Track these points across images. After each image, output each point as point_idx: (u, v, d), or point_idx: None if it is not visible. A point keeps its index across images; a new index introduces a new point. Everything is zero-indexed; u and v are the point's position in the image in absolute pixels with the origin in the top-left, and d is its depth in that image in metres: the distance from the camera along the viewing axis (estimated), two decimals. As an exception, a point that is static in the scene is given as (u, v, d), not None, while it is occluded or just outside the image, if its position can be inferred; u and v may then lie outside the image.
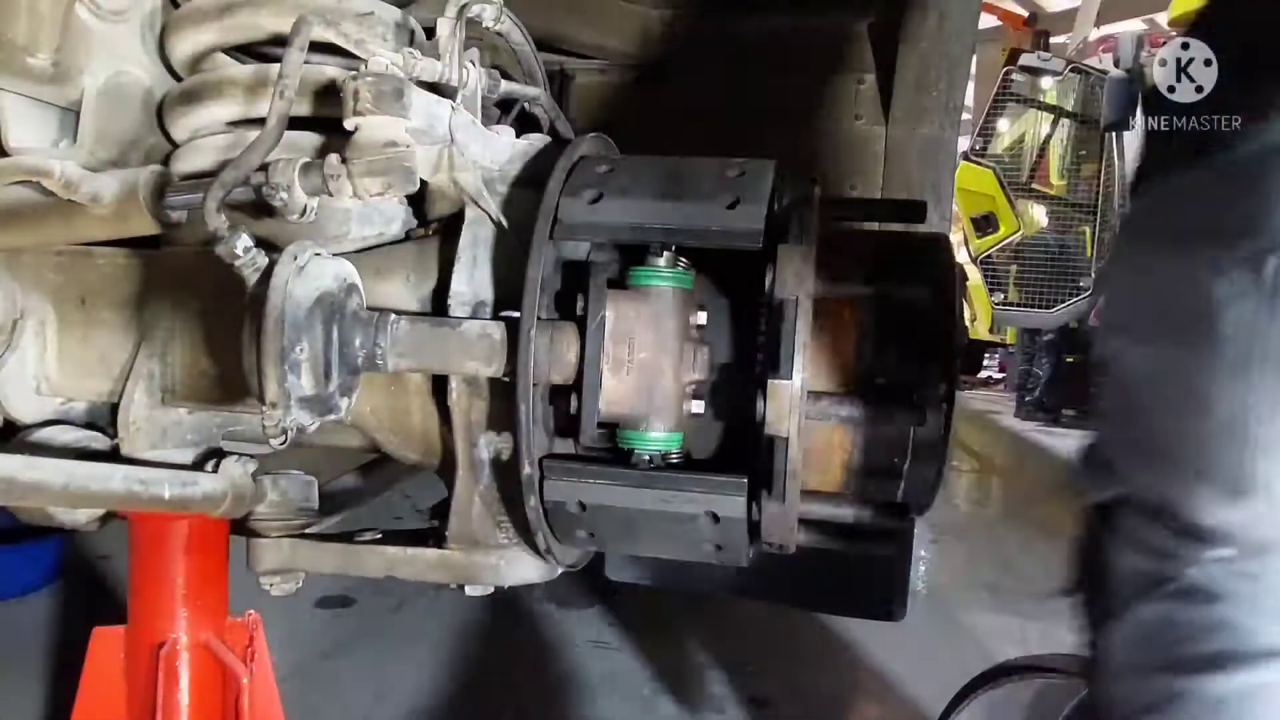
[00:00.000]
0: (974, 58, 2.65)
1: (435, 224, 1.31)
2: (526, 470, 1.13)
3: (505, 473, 1.25)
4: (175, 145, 1.39)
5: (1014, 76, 7.59)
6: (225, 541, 1.68)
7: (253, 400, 1.08)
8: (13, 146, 1.30)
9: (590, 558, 1.42)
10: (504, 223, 1.23)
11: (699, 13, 2.56)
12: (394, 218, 1.29)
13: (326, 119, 1.22)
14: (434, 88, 1.25)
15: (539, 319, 1.09)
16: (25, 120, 1.31)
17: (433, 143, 1.21)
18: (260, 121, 1.15)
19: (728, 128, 2.57)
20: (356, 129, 1.12)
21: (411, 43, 1.33)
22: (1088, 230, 7.68)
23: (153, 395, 1.34)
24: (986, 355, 13.41)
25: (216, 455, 1.40)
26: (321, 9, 1.21)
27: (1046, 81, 7.90)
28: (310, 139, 1.25)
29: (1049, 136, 8.35)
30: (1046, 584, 3.86)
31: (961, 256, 8.32)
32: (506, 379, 1.16)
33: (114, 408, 1.36)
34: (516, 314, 1.10)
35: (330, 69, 1.27)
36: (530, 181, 1.26)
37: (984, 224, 7.68)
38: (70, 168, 1.22)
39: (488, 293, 1.21)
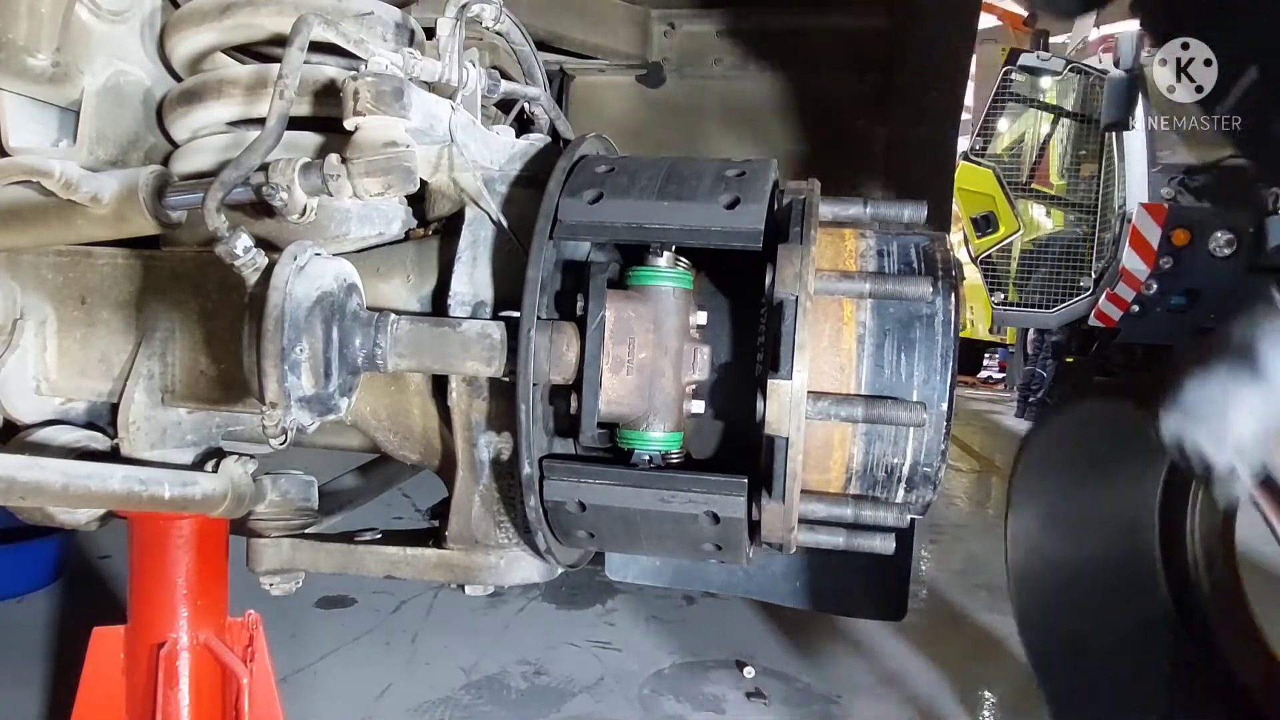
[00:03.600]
0: (974, 58, 2.65)
1: (435, 224, 1.31)
2: (526, 470, 1.13)
3: (505, 473, 1.25)
4: (175, 145, 1.39)
5: (1014, 76, 7.59)
6: (225, 541, 1.68)
7: (253, 400, 1.08)
8: (13, 146, 1.30)
9: (590, 557, 1.42)
10: (504, 223, 1.23)
11: (698, 13, 2.57)
12: (394, 218, 1.29)
13: (326, 119, 1.23)
14: (434, 88, 1.25)
15: (539, 319, 1.09)
16: (25, 120, 1.31)
17: (433, 143, 1.21)
18: (260, 121, 1.15)
19: (727, 128, 2.58)
20: (356, 129, 1.12)
21: (411, 43, 1.34)
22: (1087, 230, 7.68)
23: (152, 395, 1.34)
24: (986, 355, 13.42)
25: (216, 455, 1.40)
26: (321, 9, 1.21)
27: (1046, 81, 7.90)
28: (310, 139, 1.25)
29: (1049, 136, 8.35)
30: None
31: (961, 256, 8.32)
32: (506, 379, 1.16)
33: (114, 408, 1.36)
34: (516, 314, 1.10)
35: (330, 69, 1.27)
36: (530, 181, 1.26)
37: (984, 224, 7.68)
38: (70, 168, 1.22)
39: (488, 293, 1.21)
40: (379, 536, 1.37)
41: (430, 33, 1.34)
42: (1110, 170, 7.39)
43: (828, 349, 1.16)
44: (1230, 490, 0.98)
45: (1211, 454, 0.96)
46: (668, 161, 1.20)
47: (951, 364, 1.16)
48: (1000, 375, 12.88)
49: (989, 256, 7.89)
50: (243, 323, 1.05)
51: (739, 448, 1.19)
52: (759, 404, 1.08)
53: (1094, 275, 7.50)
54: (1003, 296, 7.97)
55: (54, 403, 1.41)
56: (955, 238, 8.34)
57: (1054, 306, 7.68)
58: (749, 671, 2.89)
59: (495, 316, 1.20)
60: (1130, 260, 6.98)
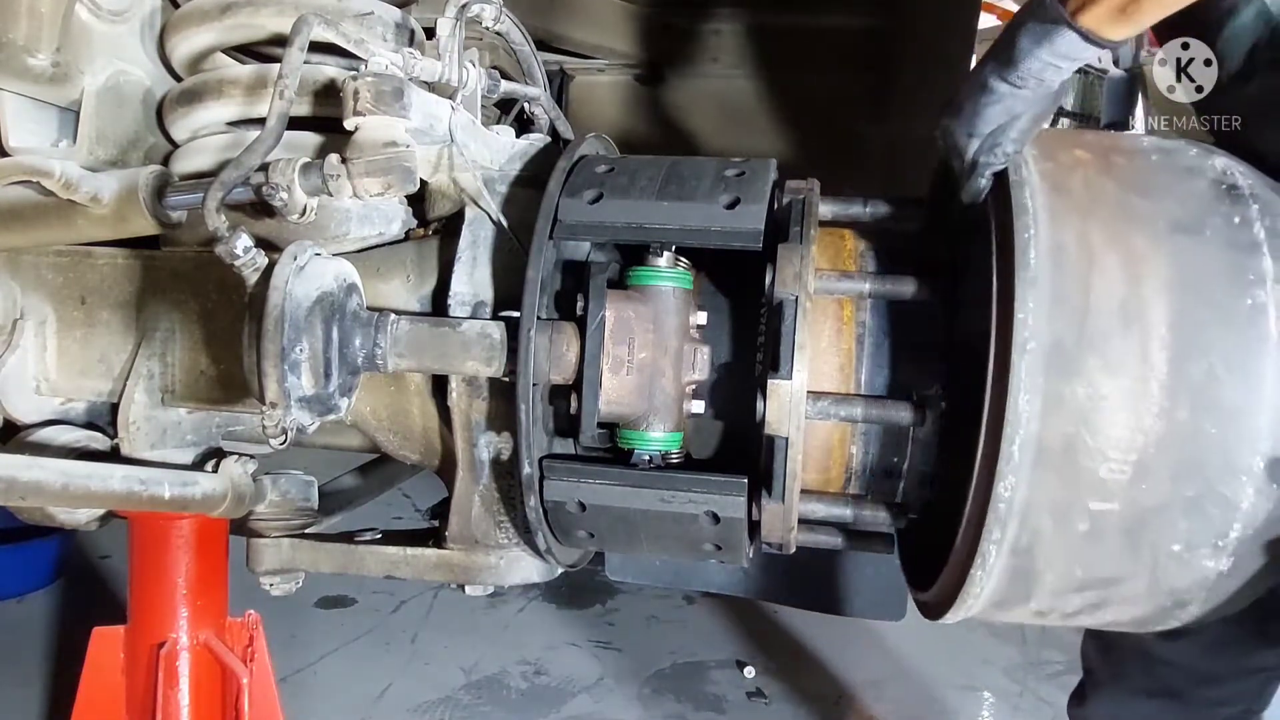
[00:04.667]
0: (974, 58, 2.65)
1: (435, 224, 1.31)
2: (526, 470, 1.13)
3: (505, 473, 1.25)
4: (175, 145, 1.39)
5: (1014, 76, 7.56)
6: (225, 541, 1.68)
7: (253, 400, 1.08)
8: (13, 146, 1.30)
9: (590, 557, 1.42)
10: (504, 223, 1.23)
11: (697, 13, 2.56)
12: (394, 218, 1.29)
13: (326, 119, 1.23)
14: (434, 88, 1.25)
15: (539, 319, 1.09)
16: (25, 120, 1.31)
17: (433, 143, 1.21)
18: (260, 121, 1.15)
19: (727, 128, 2.58)
20: (356, 129, 1.12)
21: (411, 43, 1.34)
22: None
23: (152, 395, 1.34)
24: (986, 355, 13.39)
25: (216, 455, 1.40)
26: (321, 9, 1.21)
27: (1046, 81, 7.88)
28: (310, 139, 1.25)
29: (1048, 136, 8.34)
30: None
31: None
32: (506, 379, 1.16)
33: (114, 408, 1.36)
34: (516, 314, 1.10)
35: (330, 69, 1.27)
36: (530, 181, 1.26)
37: (984, 224, 7.66)
38: (70, 168, 1.22)
39: (488, 293, 1.21)
40: (379, 536, 1.37)
41: (430, 33, 1.34)
42: (1110, 170, 7.37)
43: (828, 349, 1.16)
44: (976, 186, 1.05)
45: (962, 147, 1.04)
46: (668, 161, 1.20)
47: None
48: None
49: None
50: (243, 323, 1.05)
51: (739, 448, 1.19)
52: (759, 404, 1.08)
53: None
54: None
55: (54, 403, 1.41)
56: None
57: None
58: (749, 671, 2.89)
59: (495, 316, 1.20)
60: (1130, 260, 6.96)
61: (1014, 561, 0.99)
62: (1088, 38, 0.93)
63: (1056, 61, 0.96)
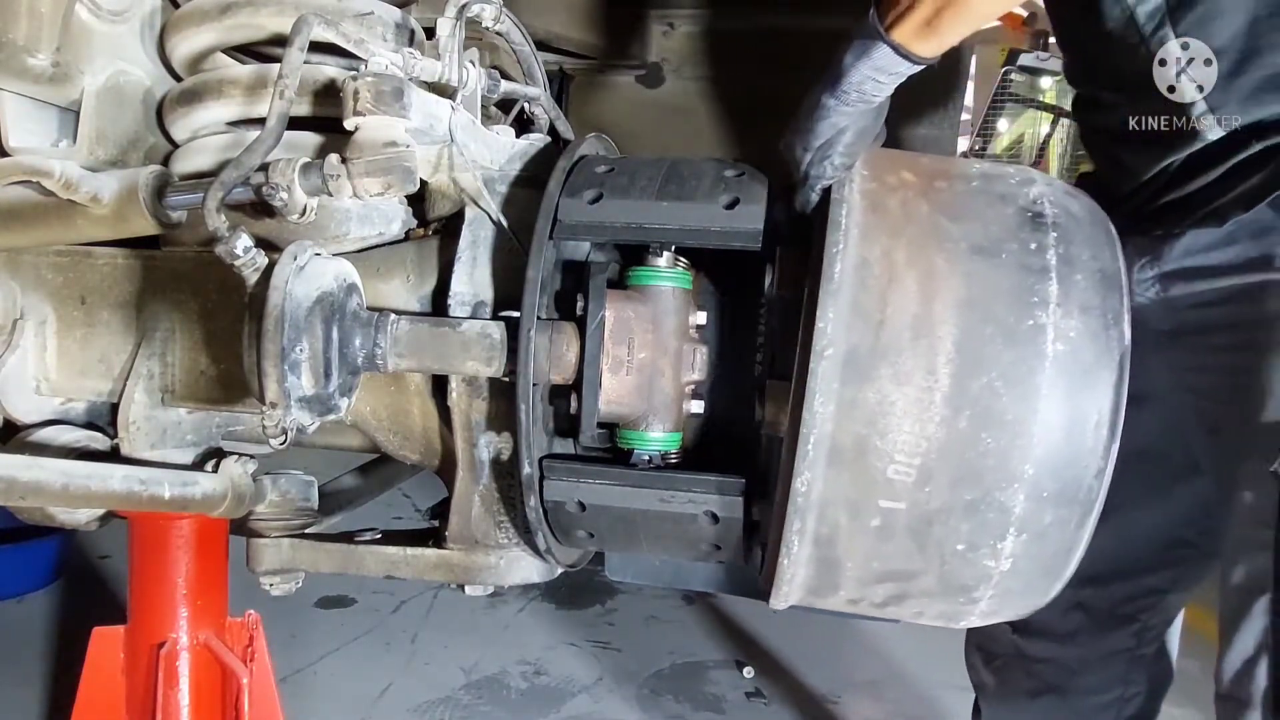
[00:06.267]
0: (973, 58, 2.65)
1: (435, 224, 1.31)
2: (526, 470, 1.13)
3: (505, 473, 1.25)
4: (175, 145, 1.39)
5: (1013, 76, 7.58)
6: (225, 541, 1.68)
7: (253, 400, 1.08)
8: (13, 146, 1.30)
9: (590, 557, 1.42)
10: (504, 223, 1.23)
11: (697, 13, 2.56)
12: (394, 218, 1.29)
13: (326, 119, 1.23)
14: (434, 88, 1.25)
15: (539, 319, 1.09)
16: (25, 120, 1.31)
17: (433, 142, 1.21)
18: (260, 121, 1.15)
19: (727, 128, 2.57)
20: (356, 129, 1.12)
21: (411, 43, 1.34)
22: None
23: (152, 395, 1.34)
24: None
25: (216, 455, 1.40)
26: (321, 9, 1.21)
27: (1045, 81, 7.90)
28: (310, 139, 1.25)
29: (1048, 136, 8.35)
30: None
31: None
32: (506, 379, 1.16)
33: (114, 408, 1.36)
34: (516, 314, 1.10)
35: (330, 69, 1.27)
36: (530, 181, 1.26)
37: (984, 224, 7.66)
38: (70, 168, 1.22)
39: (488, 293, 1.21)
40: (379, 536, 1.37)
41: (430, 33, 1.34)
42: (1110, 170, 7.36)
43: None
44: (805, 198, 1.11)
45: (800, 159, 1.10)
46: (667, 161, 1.20)
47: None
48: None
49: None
50: (243, 323, 1.05)
51: (739, 448, 1.19)
52: (758, 404, 1.08)
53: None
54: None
55: (54, 403, 1.41)
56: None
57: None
58: (749, 671, 2.89)
59: (495, 316, 1.20)
60: (1130, 260, 6.97)
61: (818, 551, 1.03)
62: (899, 51, 1.01)
63: (875, 75, 1.03)
